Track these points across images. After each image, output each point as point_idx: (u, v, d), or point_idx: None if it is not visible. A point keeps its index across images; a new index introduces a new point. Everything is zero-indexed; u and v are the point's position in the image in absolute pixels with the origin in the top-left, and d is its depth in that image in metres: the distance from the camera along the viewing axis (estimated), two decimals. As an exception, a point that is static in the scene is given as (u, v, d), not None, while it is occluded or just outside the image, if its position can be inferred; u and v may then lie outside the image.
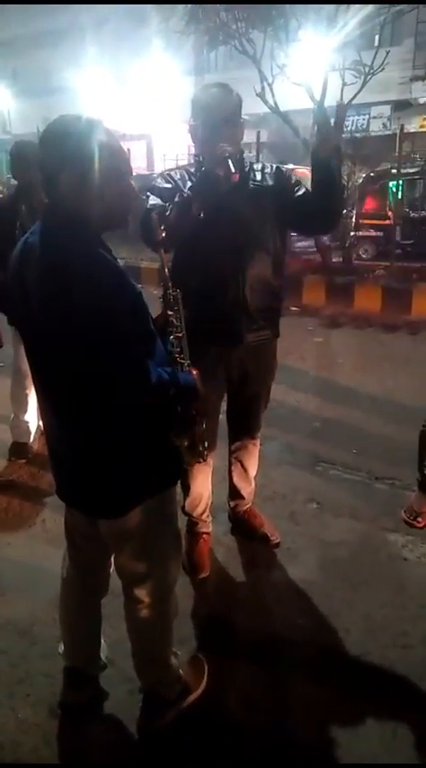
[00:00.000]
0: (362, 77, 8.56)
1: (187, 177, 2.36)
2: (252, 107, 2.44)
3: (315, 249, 8.81)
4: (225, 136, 2.22)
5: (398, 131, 9.18)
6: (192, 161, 2.49)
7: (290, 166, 10.57)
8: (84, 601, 1.97)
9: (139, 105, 19.39)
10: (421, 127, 17.94)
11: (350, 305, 7.59)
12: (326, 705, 2.07)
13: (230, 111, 2.28)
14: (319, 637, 2.37)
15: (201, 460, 1.94)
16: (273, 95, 8.75)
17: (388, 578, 2.67)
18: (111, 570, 1.95)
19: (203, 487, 2.68)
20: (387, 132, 15.85)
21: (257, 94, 8.44)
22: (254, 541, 2.88)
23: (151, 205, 2.25)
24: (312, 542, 2.93)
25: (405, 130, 9.88)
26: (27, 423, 3.73)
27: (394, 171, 9.67)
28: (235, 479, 2.88)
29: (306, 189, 2.40)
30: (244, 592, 2.65)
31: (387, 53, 8.51)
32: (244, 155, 2.48)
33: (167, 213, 2.14)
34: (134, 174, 1.65)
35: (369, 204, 10.99)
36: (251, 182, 2.38)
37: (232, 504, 2.95)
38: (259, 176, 2.42)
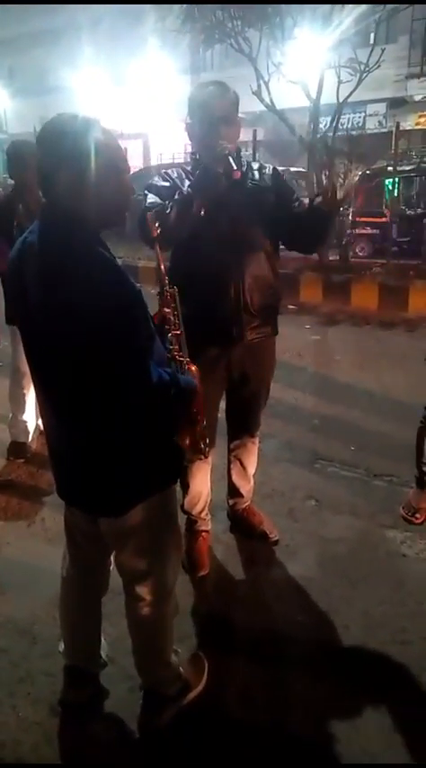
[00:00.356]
0: (358, 75, 8.57)
1: (184, 176, 2.36)
2: (248, 105, 2.45)
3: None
4: (222, 134, 2.22)
5: (394, 129, 9.17)
6: (189, 159, 2.50)
7: (293, 169, 10.55)
8: (85, 599, 1.97)
9: (136, 104, 19.36)
10: (417, 124, 17.96)
11: (347, 302, 7.60)
12: (325, 701, 2.08)
13: (228, 110, 2.28)
14: (318, 633, 2.38)
15: (203, 457, 1.95)
16: (269, 94, 8.76)
17: (387, 575, 2.68)
18: (111, 568, 1.96)
19: (202, 485, 2.69)
20: (383, 130, 15.84)
21: (253, 93, 8.45)
22: (253, 539, 2.89)
23: (150, 203, 2.25)
24: (311, 539, 2.93)
25: (401, 128, 9.84)
26: (25, 422, 3.73)
27: (390, 168, 9.67)
28: (234, 477, 2.89)
29: (301, 204, 2.46)
30: (243, 589, 2.65)
31: (383, 51, 8.53)
32: (241, 153, 2.48)
33: (168, 211, 2.15)
34: (131, 172, 1.65)
35: (366, 202, 11.00)
36: (249, 180, 2.39)
37: (231, 502, 2.95)
38: (257, 175, 2.43)
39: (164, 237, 2.03)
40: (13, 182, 3.63)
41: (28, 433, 3.76)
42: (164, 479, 1.78)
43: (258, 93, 8.63)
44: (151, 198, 2.29)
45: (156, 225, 1.86)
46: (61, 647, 2.04)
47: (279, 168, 2.56)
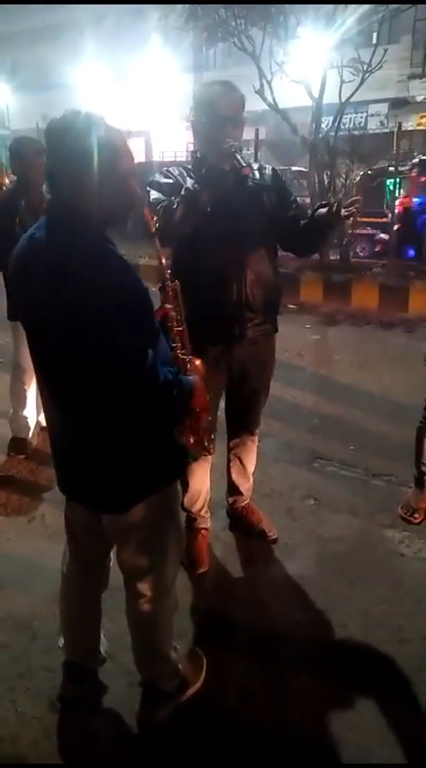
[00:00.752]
0: (360, 75, 8.56)
1: (185, 174, 2.37)
2: (250, 104, 2.46)
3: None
4: (228, 133, 2.24)
5: (396, 129, 9.17)
6: (190, 158, 2.51)
7: (294, 168, 10.50)
8: (85, 595, 1.98)
9: (138, 102, 19.34)
10: (419, 125, 17.98)
11: (347, 302, 7.61)
12: (323, 699, 2.09)
13: (235, 109, 2.29)
14: (316, 631, 2.39)
15: (207, 454, 1.97)
16: (272, 93, 8.75)
17: (385, 574, 2.69)
18: (111, 564, 1.97)
19: (202, 483, 2.70)
20: (385, 130, 15.84)
21: (256, 92, 8.44)
22: (252, 537, 2.90)
23: (154, 199, 2.26)
24: (309, 538, 2.95)
25: (403, 128, 9.85)
26: (26, 418, 3.74)
27: (391, 169, 9.67)
28: (234, 476, 2.90)
29: (298, 207, 2.50)
30: (241, 587, 2.66)
31: (385, 51, 8.52)
32: (242, 152, 2.49)
33: (174, 207, 2.16)
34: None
35: (367, 202, 10.98)
36: (250, 180, 2.41)
37: (230, 500, 2.96)
38: (257, 175, 2.45)
39: (168, 233, 2.04)
40: (15, 178, 3.63)
41: (28, 429, 3.77)
42: (166, 477, 1.79)
43: (260, 93, 8.62)
44: (154, 194, 2.30)
45: (154, 220, 1.87)
46: (61, 642, 2.05)
47: (281, 168, 2.58)
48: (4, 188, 3.07)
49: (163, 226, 2.19)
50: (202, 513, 2.77)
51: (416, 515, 3.03)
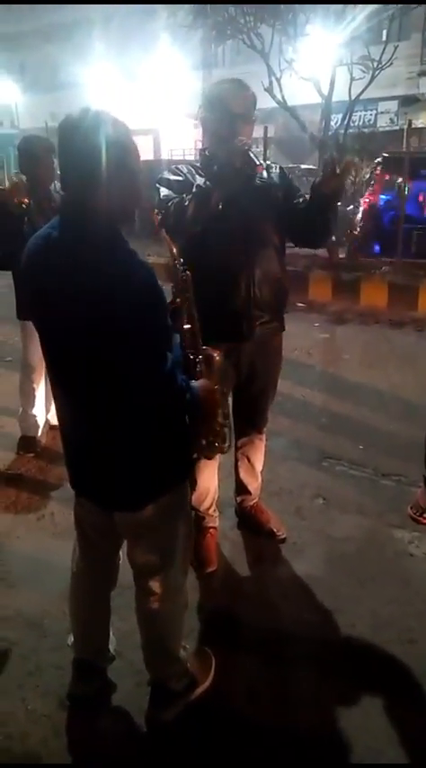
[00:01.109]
0: (370, 72, 8.53)
1: (194, 171, 2.37)
2: (259, 102, 2.46)
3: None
4: (239, 131, 2.24)
5: (406, 127, 9.13)
6: (199, 155, 2.51)
7: (303, 166, 10.47)
8: (94, 593, 1.99)
9: (147, 100, 19.34)
10: (429, 122, 17.86)
11: (356, 301, 7.58)
12: (331, 700, 2.08)
13: (246, 107, 2.30)
14: (325, 632, 2.39)
15: (221, 452, 1.98)
16: (281, 90, 8.72)
17: (394, 574, 2.68)
18: (120, 563, 1.97)
19: (210, 482, 2.70)
20: (395, 128, 15.80)
21: (265, 89, 8.41)
22: (261, 536, 2.90)
23: (164, 196, 2.26)
24: (318, 538, 2.94)
25: (413, 126, 9.82)
26: (35, 417, 3.75)
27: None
28: (242, 474, 2.89)
29: (304, 199, 2.46)
30: (250, 586, 2.66)
31: (395, 48, 8.49)
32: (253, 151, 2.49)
33: (186, 204, 2.16)
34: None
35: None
36: (258, 178, 2.41)
37: (238, 499, 2.96)
38: (265, 173, 2.45)
39: (179, 230, 2.04)
40: (24, 177, 3.63)
41: (37, 427, 3.78)
42: (178, 474, 1.80)
43: (270, 90, 8.59)
44: (164, 191, 2.31)
45: (157, 213, 1.87)
46: (70, 640, 2.06)
47: (290, 165, 2.58)
48: (24, 206, 3.07)
49: (173, 223, 2.19)
50: (210, 511, 2.77)
51: (425, 515, 3.02)
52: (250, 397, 2.69)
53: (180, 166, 2.42)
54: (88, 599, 2.00)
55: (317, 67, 8.52)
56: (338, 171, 2.26)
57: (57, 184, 3.44)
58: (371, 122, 17.40)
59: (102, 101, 16.21)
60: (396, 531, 2.98)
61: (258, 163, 2.19)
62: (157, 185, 2.34)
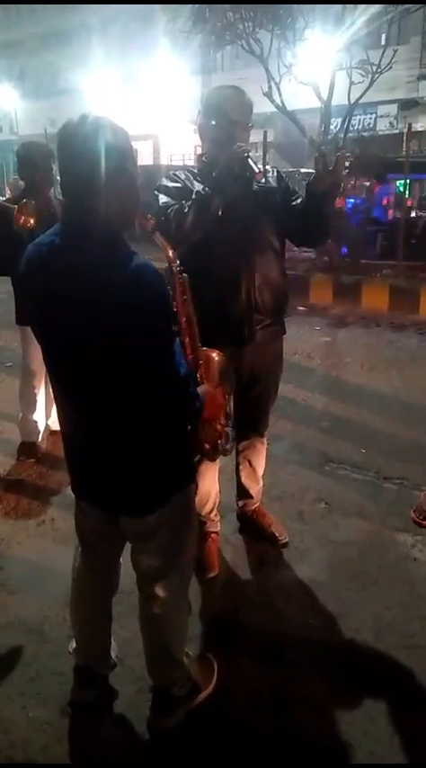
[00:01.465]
0: (369, 76, 8.55)
1: (192, 177, 2.37)
2: (258, 107, 2.47)
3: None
4: (237, 137, 2.24)
5: (405, 130, 9.14)
6: (197, 162, 2.51)
7: (303, 170, 10.50)
8: (95, 599, 1.97)
9: (146, 105, 19.41)
10: (429, 125, 17.88)
11: (357, 304, 7.59)
12: (335, 705, 2.07)
13: (244, 114, 2.31)
14: (328, 636, 2.37)
15: (224, 455, 1.99)
16: (280, 95, 8.75)
17: (397, 578, 2.67)
18: (121, 569, 1.96)
19: (211, 486, 2.69)
20: (395, 131, 15.82)
21: (264, 94, 8.44)
22: (263, 541, 2.89)
23: (163, 203, 2.26)
24: (320, 542, 2.93)
25: (413, 129, 9.81)
26: (35, 422, 3.75)
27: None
28: (244, 478, 2.88)
29: (302, 200, 2.46)
30: (252, 591, 2.65)
31: (395, 52, 8.51)
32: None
33: (185, 211, 2.16)
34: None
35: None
36: (256, 183, 2.41)
37: (240, 503, 2.95)
38: (263, 178, 2.45)
39: (179, 237, 2.04)
40: (23, 183, 3.64)
41: (38, 432, 3.78)
42: (185, 477, 1.80)
43: (269, 95, 8.62)
44: (163, 198, 2.30)
45: (149, 217, 1.86)
46: (71, 646, 2.04)
47: (290, 170, 2.58)
48: (29, 226, 3.06)
49: (174, 230, 2.19)
50: (212, 516, 2.76)
51: (428, 519, 3.00)
52: (251, 401, 2.68)
53: (178, 173, 2.42)
54: (89, 605, 1.98)
55: (316, 72, 8.55)
56: (330, 167, 2.25)
57: (57, 189, 3.44)
58: (371, 126, 17.41)
59: (101, 107, 16.27)
60: (399, 534, 2.96)
61: (257, 170, 2.18)
62: (156, 192, 2.34)
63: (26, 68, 26.30)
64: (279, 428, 3.80)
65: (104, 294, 1.45)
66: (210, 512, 2.74)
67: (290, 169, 10.64)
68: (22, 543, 2.95)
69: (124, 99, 18.64)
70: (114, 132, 1.49)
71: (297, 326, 6.21)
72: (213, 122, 2.29)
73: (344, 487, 3.41)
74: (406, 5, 9.43)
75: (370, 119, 17.95)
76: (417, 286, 7.46)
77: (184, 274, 1.80)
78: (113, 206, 1.49)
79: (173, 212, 2.22)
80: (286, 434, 3.93)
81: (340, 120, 8.97)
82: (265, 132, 9.22)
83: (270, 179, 2.48)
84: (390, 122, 18.04)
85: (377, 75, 8.53)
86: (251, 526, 2.95)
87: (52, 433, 3.81)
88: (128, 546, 1.88)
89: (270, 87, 8.69)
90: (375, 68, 8.49)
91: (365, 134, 11.49)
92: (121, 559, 1.95)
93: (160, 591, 1.82)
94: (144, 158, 15.44)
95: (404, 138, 9.02)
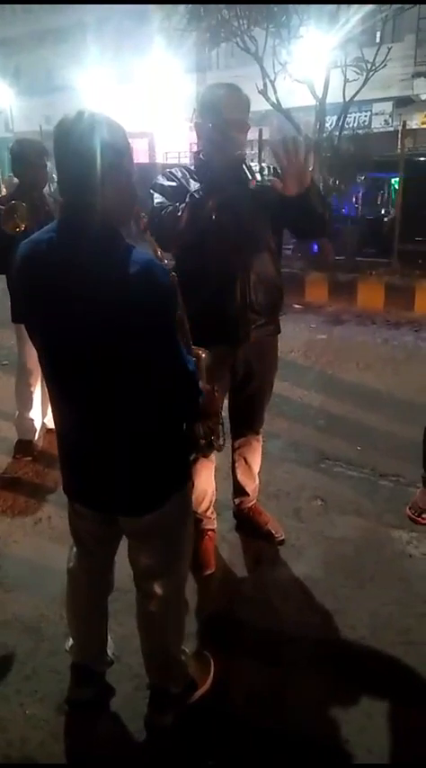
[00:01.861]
0: (364, 74, 8.55)
1: (188, 175, 2.36)
2: (253, 104, 2.45)
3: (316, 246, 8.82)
4: (233, 137, 2.23)
5: (400, 128, 9.15)
6: (193, 159, 2.50)
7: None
8: (91, 597, 1.97)
9: (141, 103, 19.36)
10: (423, 123, 17.88)
11: (353, 302, 7.59)
12: (332, 702, 2.07)
13: (240, 113, 2.28)
14: (324, 633, 2.38)
15: (218, 450, 1.98)
16: (275, 93, 8.75)
17: (393, 575, 2.68)
18: (117, 567, 1.96)
19: (207, 484, 2.69)
20: (389, 129, 15.82)
21: (259, 92, 8.43)
22: (259, 539, 2.89)
23: (157, 203, 2.26)
24: (316, 539, 2.93)
25: (407, 127, 9.83)
26: (32, 420, 3.74)
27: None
28: (239, 476, 2.89)
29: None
30: (248, 589, 2.65)
31: (389, 49, 8.53)
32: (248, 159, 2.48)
33: (179, 213, 2.15)
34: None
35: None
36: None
37: (236, 501, 2.96)
38: (258, 177, 2.42)
39: (173, 238, 2.03)
40: (17, 181, 3.63)
41: (34, 431, 3.77)
42: (184, 475, 1.80)
43: (264, 93, 8.62)
44: (158, 198, 2.30)
45: (143, 215, 1.85)
46: (68, 644, 2.05)
47: None
48: (18, 230, 3.03)
49: (168, 231, 2.19)
50: (208, 513, 2.76)
51: (424, 516, 3.01)
52: (246, 399, 2.69)
53: (174, 171, 2.40)
54: (85, 604, 1.98)
55: (311, 70, 8.55)
56: (284, 175, 2.13)
57: (52, 186, 3.43)
58: (366, 124, 17.41)
59: (96, 104, 16.21)
60: (395, 531, 2.97)
61: (251, 177, 2.16)
62: (151, 191, 2.33)
63: (21, 66, 26.18)
64: (275, 426, 3.81)
65: (106, 292, 1.45)
66: (206, 509, 2.74)
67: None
68: (19, 541, 2.95)
69: (119, 96, 18.58)
70: (110, 128, 1.48)
71: (293, 324, 6.21)
72: (210, 124, 2.26)
73: (340, 485, 3.42)
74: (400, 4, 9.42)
75: (365, 116, 17.95)
76: (412, 284, 7.48)
77: (173, 273, 1.80)
78: (110, 203, 1.49)
79: (167, 214, 2.21)
80: (282, 432, 3.94)
81: (335, 117, 8.97)
82: (260, 130, 9.20)
83: (267, 177, 2.45)
84: (385, 120, 18.05)
85: (371, 73, 8.54)
86: (247, 524, 2.95)
87: (49, 431, 3.81)
88: (124, 544, 1.88)
89: (265, 85, 8.70)
90: (369, 66, 8.50)
91: (360, 132, 11.49)
92: (117, 557, 1.95)
93: (158, 588, 1.82)
94: (139, 156, 15.43)
95: (399, 135, 9.02)
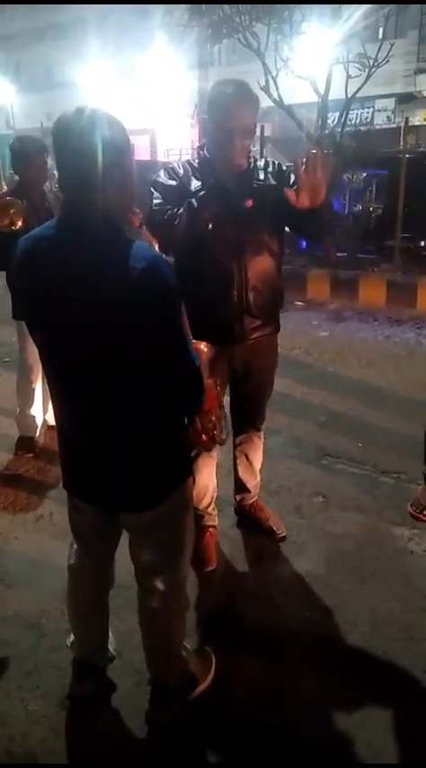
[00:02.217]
0: (366, 70, 8.51)
1: (191, 172, 2.35)
2: (256, 101, 2.40)
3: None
4: (237, 140, 2.20)
5: (403, 124, 9.12)
6: (196, 155, 2.48)
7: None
8: (92, 594, 1.98)
9: (143, 99, 19.33)
10: (426, 120, 17.86)
11: (354, 299, 7.58)
12: (333, 698, 2.08)
13: (247, 115, 2.21)
14: (325, 629, 2.38)
15: (221, 444, 1.99)
16: (277, 89, 8.71)
17: (394, 571, 2.68)
18: (117, 563, 1.96)
19: (208, 480, 2.69)
20: (392, 125, 15.77)
21: (261, 88, 8.39)
22: (260, 535, 2.89)
23: (156, 204, 2.25)
24: (318, 536, 2.93)
25: (410, 123, 9.79)
26: (33, 417, 3.74)
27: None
28: (241, 473, 2.89)
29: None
30: (250, 585, 2.66)
31: (392, 45, 8.47)
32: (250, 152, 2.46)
33: (176, 222, 2.15)
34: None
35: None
36: (254, 181, 2.37)
37: (238, 497, 2.96)
38: (262, 175, 2.41)
39: (171, 242, 2.02)
40: (18, 178, 3.63)
41: (36, 427, 3.78)
42: (185, 470, 1.80)
43: (266, 89, 8.57)
44: (157, 199, 2.28)
45: (137, 212, 1.86)
46: (69, 640, 2.05)
47: (287, 164, 2.53)
48: (14, 227, 3.02)
49: (166, 235, 2.19)
50: (209, 510, 2.76)
51: (425, 513, 3.01)
52: (247, 395, 2.68)
53: (176, 167, 2.38)
54: (86, 600, 1.99)
55: (313, 66, 8.51)
56: (299, 188, 2.10)
57: (54, 186, 3.42)
58: (368, 120, 17.37)
59: (98, 100, 16.18)
60: (396, 528, 2.97)
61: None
62: (152, 189, 2.32)
63: (22, 62, 26.17)
64: (277, 422, 3.81)
65: (107, 291, 1.44)
66: (208, 506, 2.75)
67: (288, 164, 10.58)
68: (20, 538, 2.96)
69: (121, 93, 18.55)
70: (111, 125, 1.48)
71: (295, 321, 6.20)
72: (213, 123, 2.22)
73: (342, 481, 3.42)
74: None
75: (368, 113, 17.90)
76: (414, 280, 7.46)
77: (173, 264, 1.80)
78: (111, 200, 1.48)
79: (165, 219, 2.21)
80: (283, 429, 3.94)
81: (337, 114, 8.93)
82: (262, 127, 9.17)
83: (271, 175, 2.41)
84: (387, 116, 17.98)
85: (374, 69, 8.49)
86: (248, 520, 2.95)
87: (50, 427, 3.81)
88: (125, 540, 1.88)
89: (267, 81, 8.65)
90: (372, 62, 8.45)
91: (362, 128, 11.45)
92: (118, 553, 1.95)
93: (159, 584, 1.82)
94: (141, 153, 15.39)
95: (402, 132, 8.99)
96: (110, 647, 2.07)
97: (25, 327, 3.09)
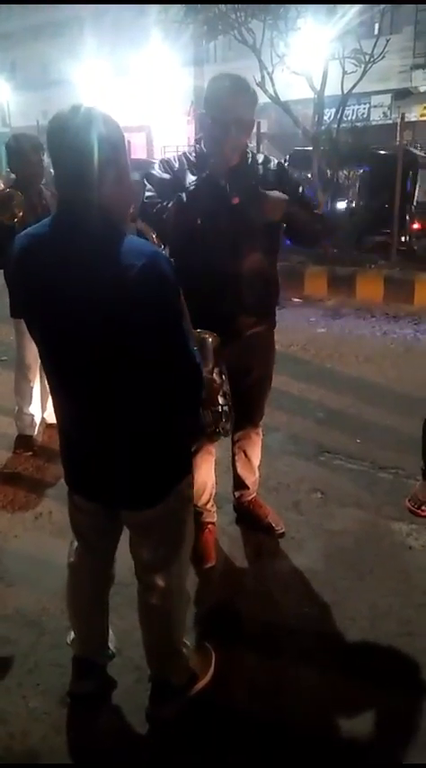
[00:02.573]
0: (362, 66, 8.51)
1: (187, 165, 2.34)
2: (252, 97, 2.40)
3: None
4: (233, 135, 2.19)
5: (399, 120, 9.12)
6: (193, 148, 2.47)
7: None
8: (92, 591, 1.98)
9: (139, 97, 19.29)
10: (422, 116, 17.82)
11: (352, 295, 7.58)
12: (331, 693, 2.09)
13: (244, 111, 2.21)
14: (324, 625, 2.39)
15: (225, 435, 2.01)
16: (273, 85, 8.70)
17: (393, 567, 2.69)
18: (117, 560, 1.97)
19: (207, 477, 2.69)
20: (388, 121, 15.77)
21: (257, 84, 8.38)
22: (259, 531, 2.90)
23: (148, 197, 2.25)
24: (316, 532, 2.94)
25: (406, 119, 9.81)
26: (31, 415, 3.74)
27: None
28: (239, 469, 2.89)
29: (305, 196, 2.47)
30: (249, 581, 2.66)
31: (387, 41, 8.47)
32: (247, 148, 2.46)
33: (165, 215, 2.15)
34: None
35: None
36: (252, 180, 2.35)
37: (237, 494, 2.96)
38: (260, 170, 2.40)
39: (164, 236, 2.03)
40: (14, 176, 3.62)
41: (34, 426, 3.77)
42: (186, 466, 1.81)
43: (262, 85, 8.57)
44: (149, 191, 2.28)
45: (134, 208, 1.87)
46: (70, 638, 2.05)
47: (284, 160, 2.54)
48: (15, 220, 3.02)
49: (157, 230, 2.19)
50: (208, 506, 2.77)
51: (423, 508, 3.02)
52: (244, 392, 2.67)
53: (171, 161, 2.37)
54: (86, 597, 1.99)
55: (309, 62, 8.51)
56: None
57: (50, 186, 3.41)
58: (364, 116, 17.34)
59: (93, 98, 16.17)
60: (394, 523, 2.98)
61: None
62: (145, 181, 2.31)
63: (18, 60, 26.09)
64: (275, 419, 3.81)
65: (104, 289, 1.44)
66: (207, 503, 2.75)
67: (284, 159, 10.61)
68: (20, 536, 2.96)
69: (117, 90, 18.51)
70: (105, 123, 1.48)
71: (292, 318, 6.20)
72: (210, 118, 2.22)
73: (340, 478, 3.43)
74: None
75: (364, 109, 17.89)
76: (411, 277, 7.47)
77: (171, 259, 1.80)
78: (107, 198, 1.48)
79: (155, 213, 2.21)
80: (281, 425, 3.94)
81: (333, 110, 8.94)
82: (258, 123, 9.14)
83: (270, 173, 2.40)
84: (384, 112, 17.98)
85: (370, 65, 8.49)
86: (247, 517, 2.96)
87: (48, 425, 3.82)
88: (125, 538, 1.89)
89: (263, 77, 8.64)
90: (368, 58, 8.45)
91: (358, 124, 11.43)
92: (118, 551, 1.96)
93: (159, 581, 1.83)
94: (137, 150, 15.37)
95: (398, 128, 8.99)
96: (111, 645, 2.08)
97: (23, 326, 3.09)
